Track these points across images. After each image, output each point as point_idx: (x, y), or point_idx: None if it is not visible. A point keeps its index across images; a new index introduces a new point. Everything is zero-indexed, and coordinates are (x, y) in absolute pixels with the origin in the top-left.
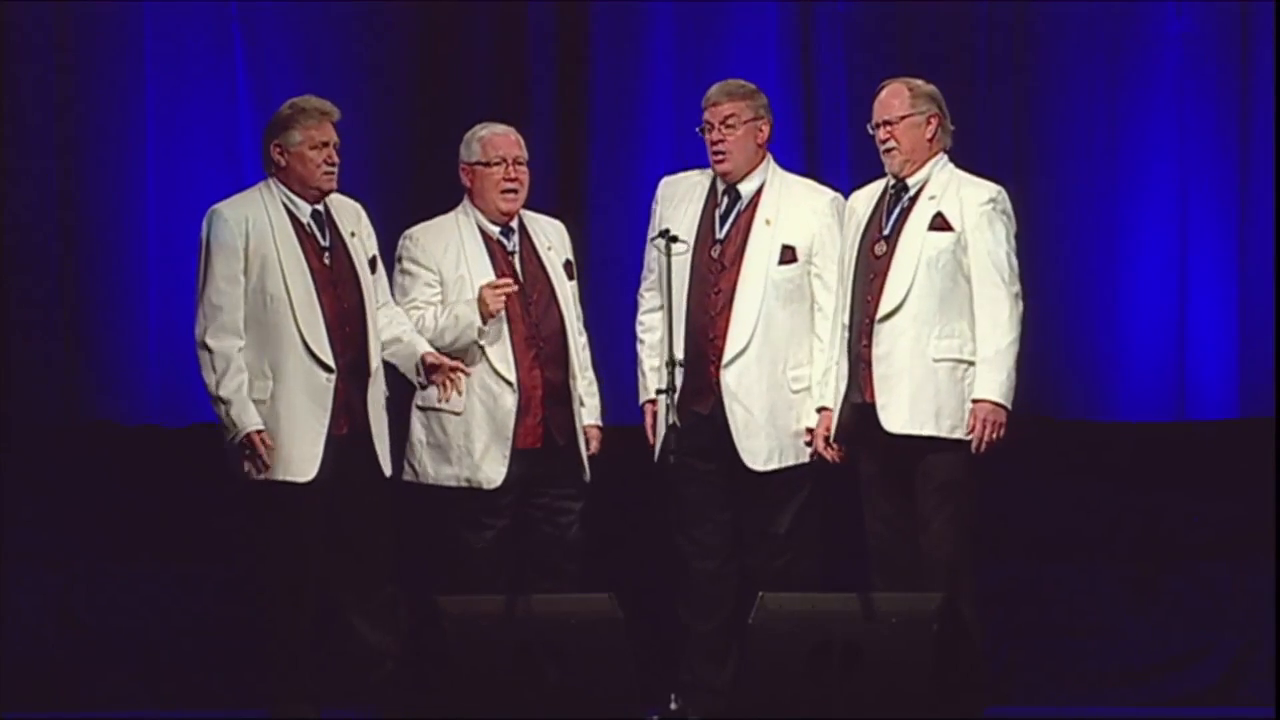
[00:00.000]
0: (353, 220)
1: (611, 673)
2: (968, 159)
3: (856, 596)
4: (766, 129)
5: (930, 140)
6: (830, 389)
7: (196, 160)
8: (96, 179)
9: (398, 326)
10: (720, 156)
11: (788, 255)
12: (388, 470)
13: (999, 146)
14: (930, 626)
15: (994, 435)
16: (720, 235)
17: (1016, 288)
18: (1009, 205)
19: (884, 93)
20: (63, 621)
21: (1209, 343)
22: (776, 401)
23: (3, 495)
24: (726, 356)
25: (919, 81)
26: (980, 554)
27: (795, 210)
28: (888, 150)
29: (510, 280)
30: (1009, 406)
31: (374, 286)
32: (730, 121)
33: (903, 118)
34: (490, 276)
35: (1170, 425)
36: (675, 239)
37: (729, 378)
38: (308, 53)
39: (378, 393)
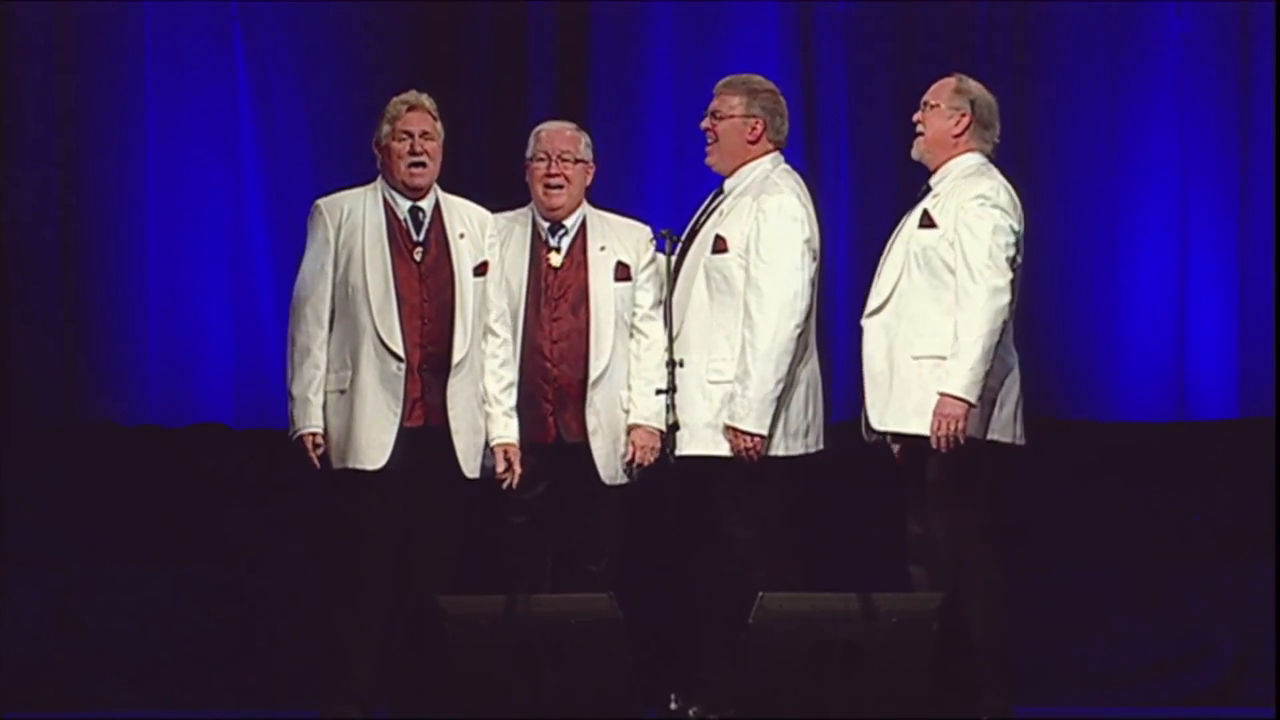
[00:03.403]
0: (469, 224)
1: (611, 673)
2: None
3: (856, 596)
4: (760, 128)
5: (956, 137)
6: (751, 408)
7: (196, 160)
8: (96, 179)
9: (489, 383)
10: (707, 150)
11: (719, 244)
12: (469, 472)
13: (998, 147)
14: (930, 626)
15: (950, 429)
16: (696, 228)
17: (997, 282)
18: (1005, 200)
19: (940, 79)
20: (63, 621)
21: (1209, 343)
22: (693, 390)
23: (3, 495)
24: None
25: (975, 84)
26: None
27: (745, 205)
28: (916, 134)
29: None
30: (971, 401)
31: (476, 289)
32: (717, 114)
33: (935, 105)
34: (521, 274)
35: (1170, 425)
36: (673, 237)
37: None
38: (308, 53)
39: (462, 389)
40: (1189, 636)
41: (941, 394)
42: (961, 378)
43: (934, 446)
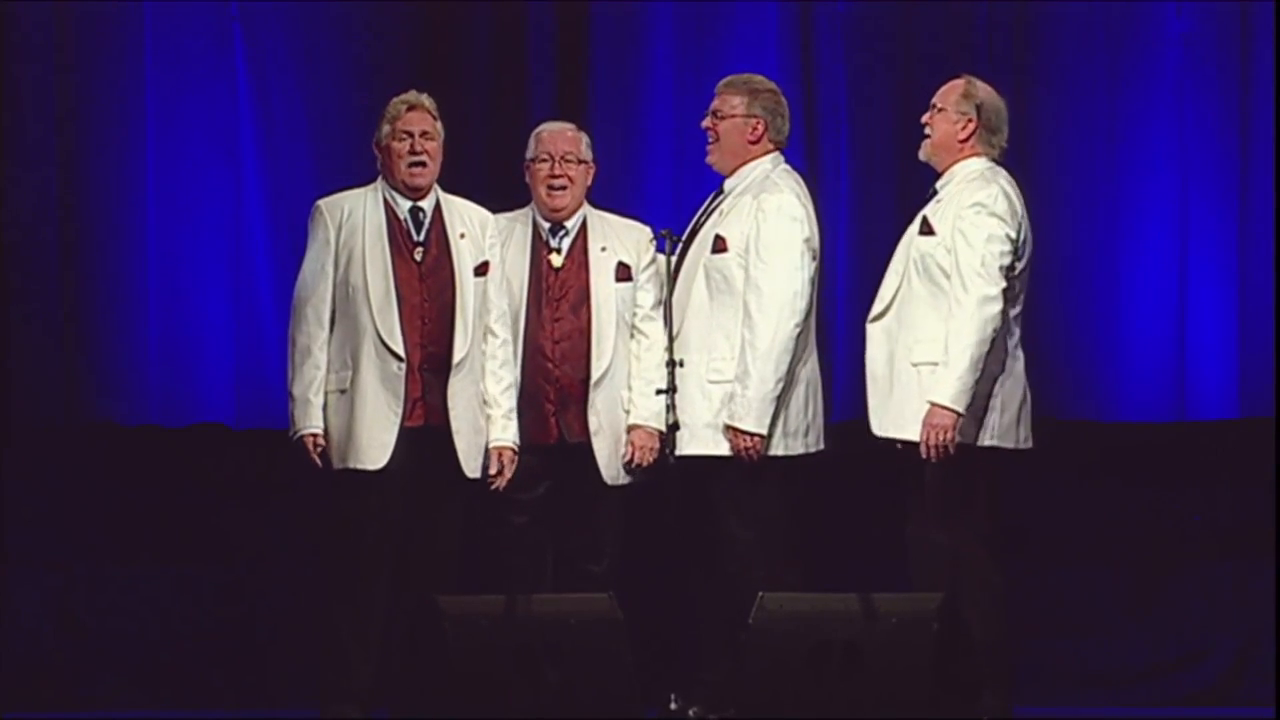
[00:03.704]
0: (470, 224)
1: (611, 673)
2: None
3: (856, 596)
4: (761, 128)
5: (962, 142)
6: (751, 408)
7: (196, 161)
8: (96, 179)
9: (489, 384)
10: (707, 149)
11: (719, 244)
12: (470, 471)
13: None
14: (930, 626)
15: (939, 438)
16: (696, 228)
17: (988, 290)
18: (1004, 208)
19: (948, 82)
20: (63, 621)
21: (1209, 343)
22: (693, 389)
23: (3, 495)
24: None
25: (984, 87)
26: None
27: (745, 205)
28: (924, 136)
29: None
30: (959, 410)
31: (477, 289)
32: (718, 114)
33: (942, 109)
34: (522, 275)
35: (1170, 425)
36: (673, 238)
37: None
38: (308, 53)
39: (463, 389)
40: (1189, 637)
41: (930, 403)
42: (949, 386)
43: (923, 456)
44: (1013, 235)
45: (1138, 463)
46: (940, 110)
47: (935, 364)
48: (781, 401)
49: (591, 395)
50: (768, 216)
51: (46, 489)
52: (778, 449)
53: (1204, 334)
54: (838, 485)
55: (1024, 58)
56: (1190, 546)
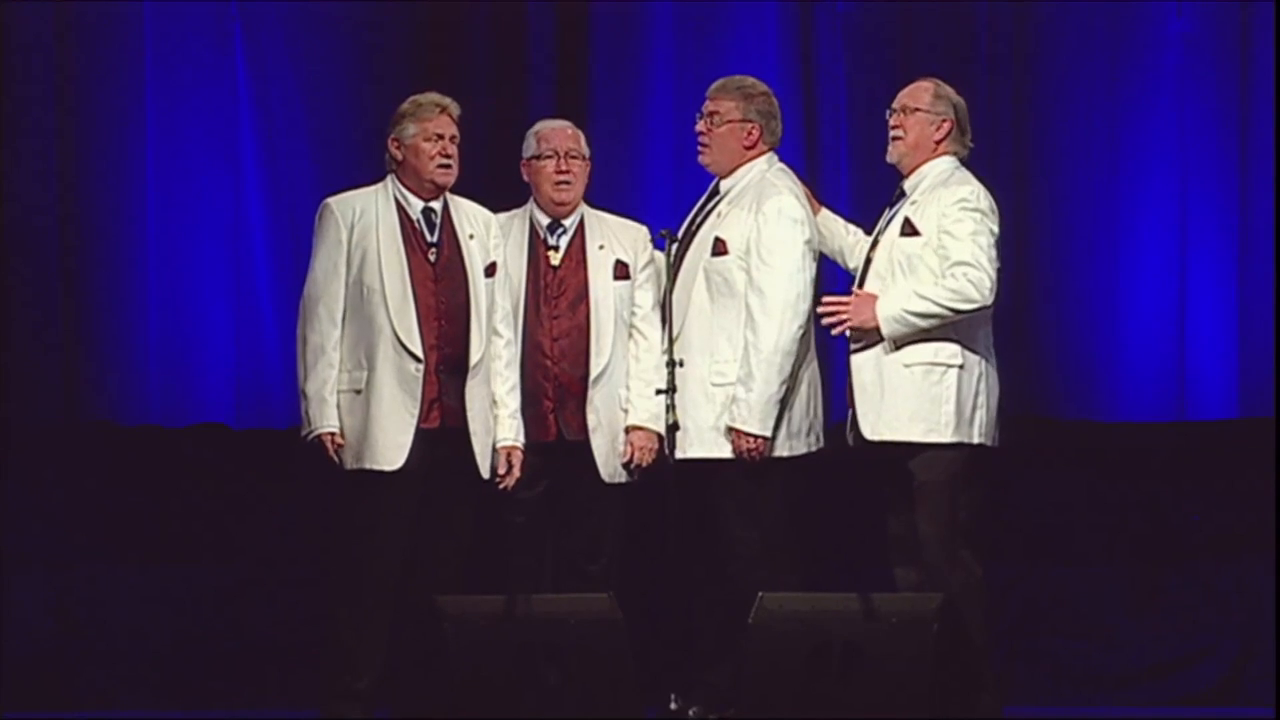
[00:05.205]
0: (477, 225)
1: (611, 673)
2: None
3: (856, 596)
4: (757, 132)
5: (937, 143)
6: (754, 410)
7: (196, 160)
8: (96, 179)
9: (494, 384)
10: (699, 150)
11: (719, 247)
12: (484, 472)
13: (998, 147)
14: (930, 626)
15: (843, 310)
16: (693, 229)
17: (980, 275)
18: (986, 205)
19: (911, 84)
20: (63, 621)
21: (1209, 343)
22: (695, 392)
23: (3, 495)
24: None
25: (949, 88)
26: (981, 554)
27: (744, 207)
28: (894, 138)
29: None
30: (889, 316)
31: (487, 289)
32: (714, 119)
33: (916, 110)
34: (521, 274)
35: (1170, 425)
36: (673, 237)
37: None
38: (308, 53)
39: (479, 391)
40: (1189, 637)
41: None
42: (905, 299)
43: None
44: (995, 231)
45: (1138, 463)
46: (914, 111)
47: (930, 364)
48: (785, 403)
49: (590, 393)
50: (768, 219)
51: (46, 489)
52: (782, 450)
53: (1204, 334)
54: (838, 485)
55: (1024, 58)
56: (1190, 546)
